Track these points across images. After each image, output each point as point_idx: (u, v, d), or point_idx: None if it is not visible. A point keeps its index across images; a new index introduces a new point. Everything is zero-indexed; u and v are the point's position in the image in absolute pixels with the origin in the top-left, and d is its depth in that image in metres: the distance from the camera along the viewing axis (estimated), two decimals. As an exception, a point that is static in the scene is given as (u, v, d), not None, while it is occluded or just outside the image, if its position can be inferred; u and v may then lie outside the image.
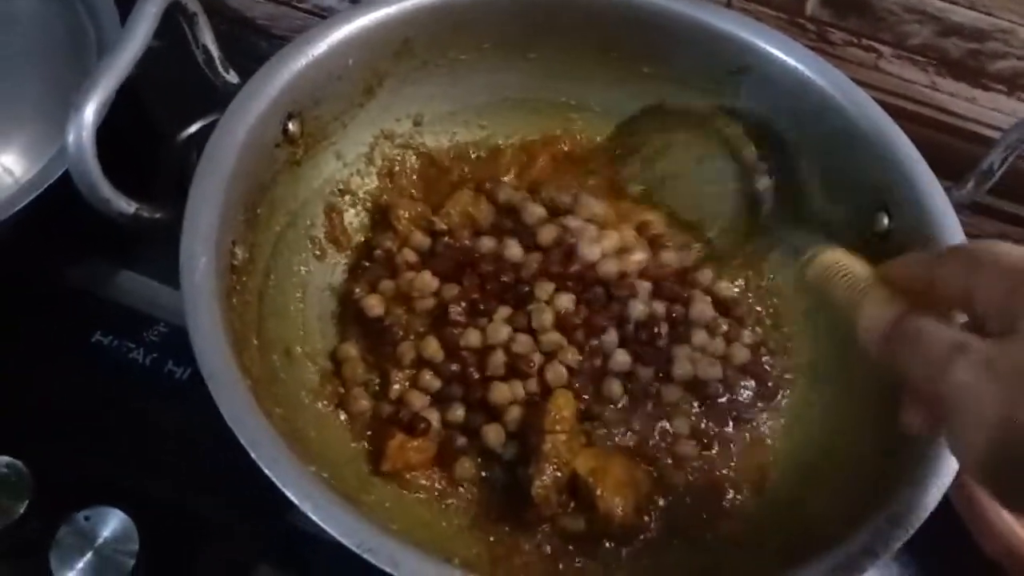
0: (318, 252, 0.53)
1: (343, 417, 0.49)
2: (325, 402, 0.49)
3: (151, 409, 0.53)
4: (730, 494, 0.49)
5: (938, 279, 0.32)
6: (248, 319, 0.45)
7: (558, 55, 0.58)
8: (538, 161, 0.59)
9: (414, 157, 0.58)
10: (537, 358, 0.49)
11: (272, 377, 0.46)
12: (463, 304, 0.51)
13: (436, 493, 0.48)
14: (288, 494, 0.35)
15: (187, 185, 0.43)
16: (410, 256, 0.53)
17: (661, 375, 0.51)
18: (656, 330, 0.51)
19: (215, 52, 0.49)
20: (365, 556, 0.35)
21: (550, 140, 0.60)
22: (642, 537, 0.47)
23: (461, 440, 0.48)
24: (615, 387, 0.50)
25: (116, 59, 0.41)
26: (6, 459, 0.47)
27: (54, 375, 0.53)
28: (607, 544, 0.47)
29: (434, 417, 0.49)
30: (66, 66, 0.57)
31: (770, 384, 0.53)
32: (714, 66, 0.56)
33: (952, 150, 0.60)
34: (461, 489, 0.48)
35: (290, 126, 0.49)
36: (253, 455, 0.36)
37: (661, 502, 0.49)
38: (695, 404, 0.51)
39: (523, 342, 0.50)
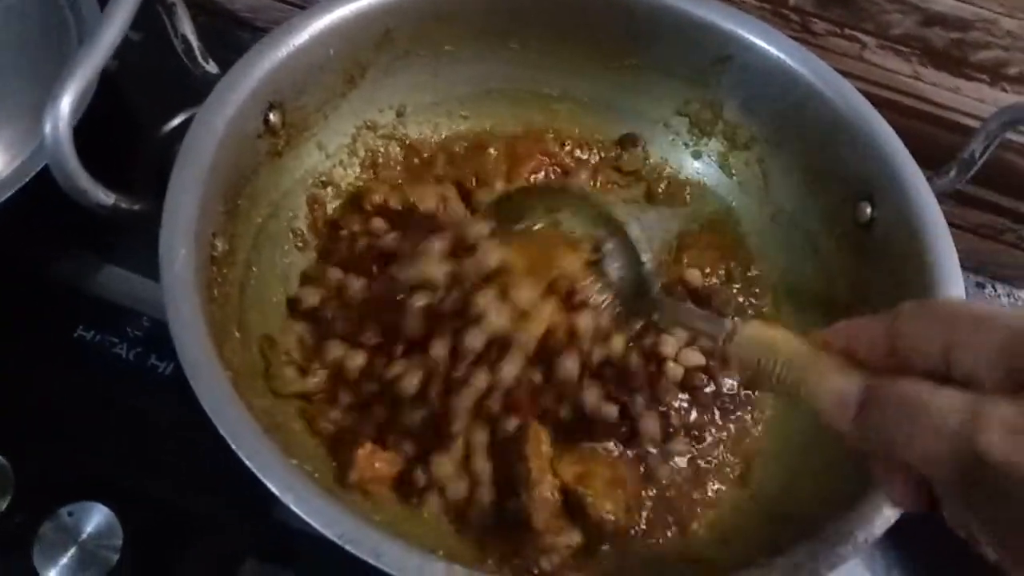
0: (300, 244, 0.53)
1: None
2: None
3: (134, 404, 0.52)
4: (715, 484, 0.49)
5: (902, 339, 0.29)
6: (229, 311, 0.45)
7: (541, 46, 0.58)
8: (525, 163, 0.59)
9: (397, 148, 0.58)
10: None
11: (254, 369, 0.46)
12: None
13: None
14: (269, 485, 0.35)
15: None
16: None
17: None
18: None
19: (195, 42, 0.48)
20: (347, 547, 0.34)
21: (534, 134, 0.60)
22: (632, 532, 0.47)
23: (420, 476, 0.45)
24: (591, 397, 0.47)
25: (93, 49, 0.41)
26: (-12, 455, 0.47)
27: (36, 370, 0.53)
28: (603, 548, 0.46)
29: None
30: (47, 59, 0.56)
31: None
32: (697, 56, 0.56)
33: (935, 140, 0.61)
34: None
35: (271, 117, 0.49)
36: (234, 446, 0.35)
37: (648, 495, 0.48)
38: (680, 396, 0.51)
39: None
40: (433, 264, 0.44)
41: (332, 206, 0.55)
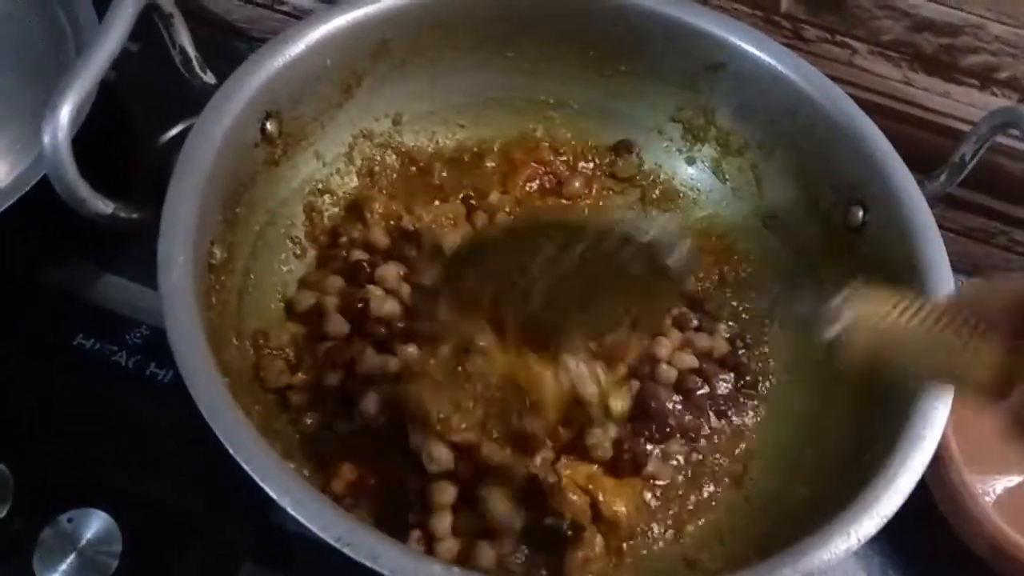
0: (298, 252, 0.53)
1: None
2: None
3: (134, 411, 0.52)
4: (711, 486, 0.50)
5: None
6: (227, 318, 0.46)
7: (536, 54, 0.58)
8: (520, 171, 0.59)
9: (394, 156, 0.58)
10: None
11: (251, 375, 0.47)
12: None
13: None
14: (267, 489, 0.35)
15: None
16: (361, 255, 0.52)
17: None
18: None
19: (192, 53, 0.49)
20: (344, 551, 0.34)
21: (531, 143, 0.60)
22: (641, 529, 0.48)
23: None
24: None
25: (92, 59, 0.41)
26: (-12, 462, 0.47)
27: (36, 378, 0.53)
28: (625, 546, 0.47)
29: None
30: (46, 70, 0.57)
31: (748, 377, 0.53)
32: (690, 63, 0.57)
33: (926, 144, 0.61)
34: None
35: (268, 126, 0.49)
36: (232, 451, 0.36)
37: (648, 496, 0.49)
38: (675, 398, 0.52)
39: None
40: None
41: (329, 214, 0.55)
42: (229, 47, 0.70)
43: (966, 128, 0.55)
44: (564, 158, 0.61)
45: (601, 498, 0.45)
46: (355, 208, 0.55)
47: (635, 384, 0.50)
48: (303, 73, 0.50)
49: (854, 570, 0.52)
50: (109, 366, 0.54)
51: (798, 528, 0.40)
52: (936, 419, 0.42)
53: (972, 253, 0.67)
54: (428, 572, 0.35)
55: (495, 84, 0.59)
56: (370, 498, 0.45)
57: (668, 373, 0.51)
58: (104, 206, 0.41)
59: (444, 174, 0.59)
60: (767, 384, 0.53)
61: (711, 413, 0.52)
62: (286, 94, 0.50)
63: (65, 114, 0.39)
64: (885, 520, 0.39)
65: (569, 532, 0.44)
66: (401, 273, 0.51)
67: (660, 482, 0.49)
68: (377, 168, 0.57)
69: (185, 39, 0.49)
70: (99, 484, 0.49)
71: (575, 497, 0.44)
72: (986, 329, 0.29)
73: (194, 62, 0.49)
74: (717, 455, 0.51)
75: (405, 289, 0.51)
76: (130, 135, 0.61)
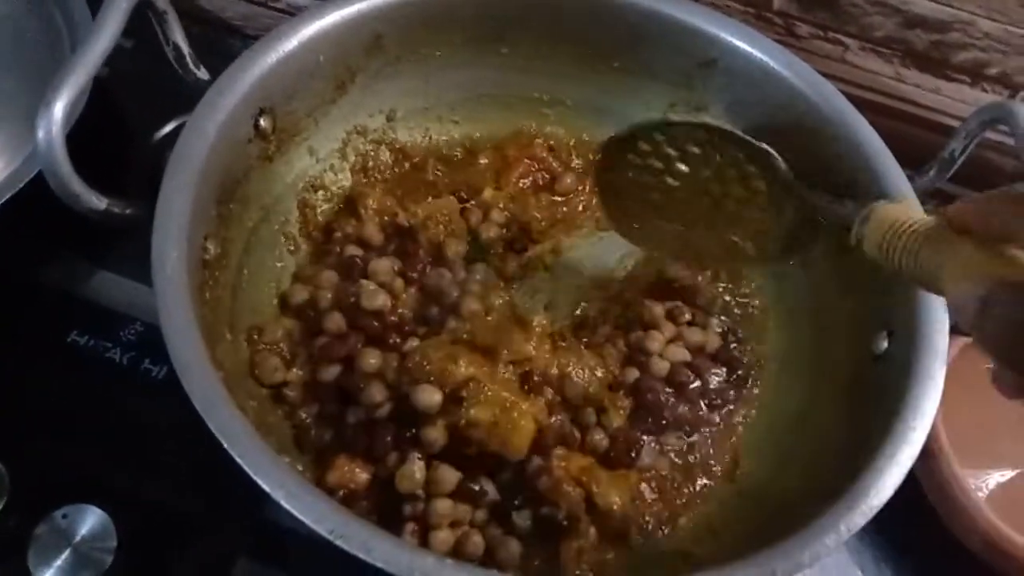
0: (292, 247, 0.53)
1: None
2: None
3: (128, 408, 0.53)
4: (703, 479, 0.50)
5: None
6: (221, 313, 0.46)
7: (530, 51, 0.58)
8: (514, 168, 0.59)
9: (387, 153, 0.58)
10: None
11: (246, 370, 0.47)
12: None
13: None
14: (261, 483, 0.35)
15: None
16: (355, 250, 0.53)
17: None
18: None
19: (186, 49, 0.49)
20: (338, 543, 0.35)
21: (524, 139, 0.61)
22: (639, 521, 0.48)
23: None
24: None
25: (86, 55, 0.41)
26: (-18, 459, 0.47)
27: (30, 374, 0.53)
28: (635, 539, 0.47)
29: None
30: (40, 66, 0.57)
31: (740, 372, 0.53)
32: (683, 59, 0.57)
33: (917, 140, 0.61)
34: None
35: (261, 122, 0.49)
36: (226, 445, 0.36)
37: (642, 488, 0.49)
38: (667, 390, 0.52)
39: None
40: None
41: (323, 210, 0.55)
42: (223, 44, 0.70)
43: (956, 123, 0.56)
44: (557, 155, 0.61)
45: (595, 489, 0.46)
46: (349, 204, 0.55)
47: (631, 373, 0.50)
48: (296, 69, 0.50)
49: (846, 563, 0.52)
50: (103, 362, 0.54)
51: (790, 521, 0.40)
52: (926, 411, 0.42)
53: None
54: (422, 564, 0.35)
55: (489, 81, 0.59)
56: (364, 492, 0.45)
57: (660, 365, 0.51)
58: (98, 202, 0.42)
59: (438, 170, 0.59)
60: (759, 379, 0.54)
61: (703, 407, 0.52)
62: (279, 90, 0.50)
63: (59, 110, 0.39)
64: (874, 512, 0.39)
65: (564, 523, 0.45)
66: (395, 268, 0.52)
67: (654, 474, 0.49)
68: (371, 164, 0.58)
69: (179, 35, 0.49)
70: (94, 480, 0.49)
71: (570, 489, 0.45)
72: (967, 231, 0.33)
73: (188, 58, 0.49)
74: (710, 448, 0.51)
75: (399, 283, 0.51)
76: (124, 131, 0.61)
